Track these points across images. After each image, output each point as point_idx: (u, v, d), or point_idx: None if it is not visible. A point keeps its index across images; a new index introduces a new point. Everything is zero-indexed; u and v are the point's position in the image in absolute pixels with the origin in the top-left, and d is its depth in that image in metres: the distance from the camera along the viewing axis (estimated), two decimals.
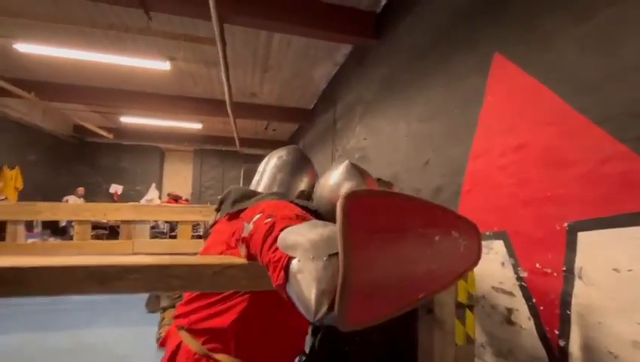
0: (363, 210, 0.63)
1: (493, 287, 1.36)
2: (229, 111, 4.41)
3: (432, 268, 0.72)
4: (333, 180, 1.01)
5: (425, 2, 2.04)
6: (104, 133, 6.78)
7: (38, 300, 3.39)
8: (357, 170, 1.02)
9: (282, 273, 0.63)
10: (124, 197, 7.76)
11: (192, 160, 8.63)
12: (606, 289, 0.94)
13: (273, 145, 8.42)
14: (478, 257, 0.80)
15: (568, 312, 1.04)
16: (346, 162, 1.04)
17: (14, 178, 5.81)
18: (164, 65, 3.70)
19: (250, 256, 0.76)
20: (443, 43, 1.80)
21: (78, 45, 3.23)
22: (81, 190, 6.95)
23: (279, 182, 1.10)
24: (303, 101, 5.32)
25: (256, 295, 0.83)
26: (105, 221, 6.47)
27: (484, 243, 1.20)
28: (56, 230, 6.57)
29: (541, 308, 1.14)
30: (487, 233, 1.39)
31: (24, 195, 5.88)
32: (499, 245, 1.33)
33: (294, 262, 0.63)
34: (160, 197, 8.10)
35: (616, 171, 0.94)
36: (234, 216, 0.92)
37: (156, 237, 6.63)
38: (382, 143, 2.54)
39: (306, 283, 0.59)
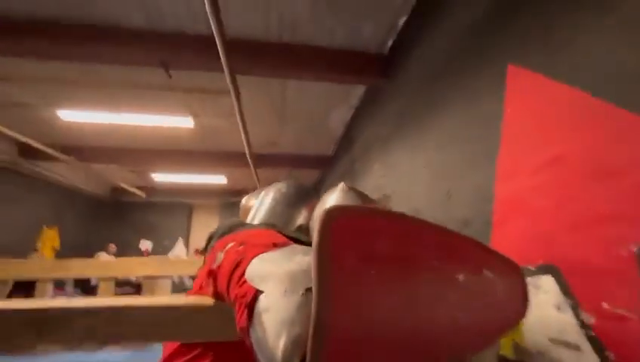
0: (353, 231, 0.48)
1: (550, 339, 1.07)
2: (250, 162, 4.51)
3: (458, 316, 0.54)
4: (327, 205, 0.87)
5: (428, 36, 2.03)
6: (138, 193, 7.14)
7: None
8: (355, 193, 0.88)
9: (245, 312, 0.49)
10: (154, 254, 7.87)
11: (219, 213, 8.78)
12: None
13: None
14: (524, 306, 0.61)
15: None
16: (341, 184, 0.91)
17: (52, 238, 6.11)
18: (187, 122, 3.93)
19: (216, 294, 0.62)
20: (452, 69, 1.73)
21: (108, 108, 3.52)
22: (112, 247, 7.15)
23: (277, 215, 0.98)
24: (322, 147, 5.37)
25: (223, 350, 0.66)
26: (134, 278, 6.53)
27: (529, 280, 0.96)
28: (87, 288, 6.66)
29: (617, 360, 0.85)
30: (531, 268, 1.14)
31: (60, 255, 6.11)
32: (549, 282, 1.08)
33: (261, 298, 0.48)
34: (187, 252, 8.14)
35: None
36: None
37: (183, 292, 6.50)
38: (400, 178, 2.39)
39: (273, 325, 0.44)
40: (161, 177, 6.76)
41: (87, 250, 6.86)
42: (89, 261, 6.00)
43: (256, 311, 0.47)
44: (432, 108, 1.94)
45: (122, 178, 6.99)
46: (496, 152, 1.35)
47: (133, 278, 6.23)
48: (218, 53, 2.16)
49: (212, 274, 0.62)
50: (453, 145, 1.69)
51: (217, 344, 0.68)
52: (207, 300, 0.64)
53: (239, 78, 2.59)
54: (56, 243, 6.18)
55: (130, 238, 8.07)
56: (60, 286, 5.83)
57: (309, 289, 0.46)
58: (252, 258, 0.55)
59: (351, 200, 0.86)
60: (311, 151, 5.60)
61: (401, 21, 2.43)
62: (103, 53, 2.41)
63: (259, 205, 1.04)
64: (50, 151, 4.30)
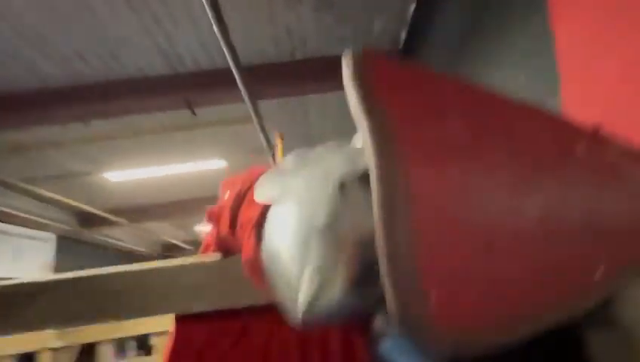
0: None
1: None
2: None
3: (600, 211, 0.34)
4: None
5: (442, 15, 1.91)
6: (186, 246, 7.36)
7: None
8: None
9: (253, 234, 0.35)
10: None
11: None
12: None
13: None
14: None
15: None
16: None
17: None
18: (221, 164, 4.03)
19: (218, 243, 0.48)
20: (479, 32, 1.57)
21: (147, 159, 3.72)
22: None
23: None
24: None
25: None
26: None
27: None
28: (150, 351, 6.70)
29: None
30: None
31: None
32: None
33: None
34: None
35: None
36: None
37: None
38: None
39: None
40: (201, 228, 6.94)
41: None
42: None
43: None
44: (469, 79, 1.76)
45: (170, 234, 7.28)
46: (557, 86, 1.11)
47: None
48: (236, 82, 2.21)
49: (212, 216, 0.48)
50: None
51: None
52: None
53: (261, 103, 2.61)
54: None
55: None
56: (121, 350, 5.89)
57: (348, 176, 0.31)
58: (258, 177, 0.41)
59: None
60: None
61: (411, 9, 2.34)
62: (136, 104, 2.57)
63: None
64: (106, 215, 4.60)
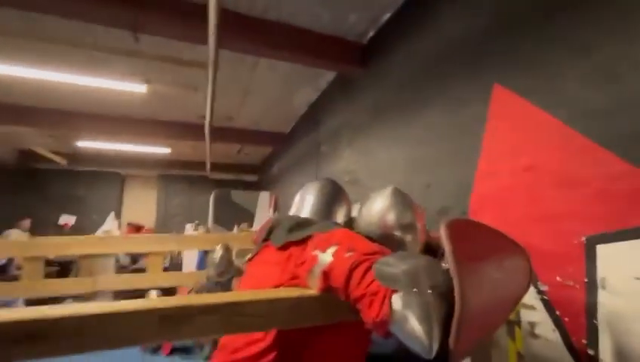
0: (465, 239, 0.65)
1: None
2: (207, 136, 4.29)
3: (507, 291, 0.75)
4: (380, 206, 1.01)
5: (414, 38, 2.20)
6: (57, 159, 6.19)
7: None
8: (402, 194, 1.04)
9: (386, 307, 0.62)
10: (77, 229, 7.03)
11: (157, 186, 8.14)
12: (631, 297, 1.03)
13: (245, 169, 8.28)
14: (530, 279, 0.84)
15: (595, 322, 1.11)
16: (391, 188, 1.05)
17: None
18: (140, 88, 3.54)
19: (326, 289, 0.73)
20: (439, 73, 1.94)
21: (44, 64, 2.98)
22: (26, 222, 6.17)
23: (319, 211, 1.07)
24: (279, 125, 5.34)
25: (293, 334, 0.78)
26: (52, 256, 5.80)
27: None
28: None
29: (566, 319, 1.20)
30: None
31: None
32: None
33: (398, 296, 0.62)
34: (119, 227, 7.46)
35: (626, 188, 1.06)
36: (293, 243, 0.88)
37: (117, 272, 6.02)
38: (374, 166, 2.61)
39: (417, 317, 0.59)
40: (88, 144, 5.95)
41: None
42: (17, 242, 5.17)
43: (395, 306, 0.61)
44: (414, 105, 2.16)
45: (35, 142, 5.96)
46: (476, 152, 1.63)
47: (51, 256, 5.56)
48: (198, 21, 2.03)
49: (324, 274, 0.71)
50: (435, 142, 1.94)
51: (284, 339, 0.78)
52: (310, 291, 0.75)
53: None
54: None
55: (47, 212, 7.04)
56: None
57: (432, 287, 0.62)
58: (371, 263, 0.68)
59: (402, 200, 1.01)
60: (266, 128, 5.53)
61: (385, 17, 2.55)
62: (67, 5, 2.03)
63: (300, 201, 1.12)
64: None
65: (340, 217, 1.10)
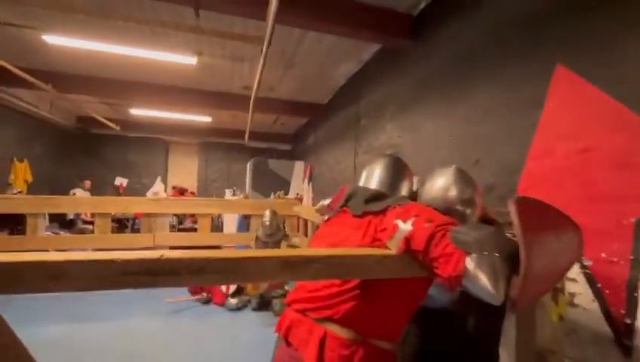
0: (531, 214, 0.78)
1: None
2: (251, 106, 4.47)
3: (561, 259, 0.88)
4: (444, 182, 1.13)
5: (469, 14, 2.16)
6: (111, 125, 6.70)
7: (70, 294, 3.43)
8: (463, 173, 1.15)
9: (461, 265, 0.77)
10: (129, 191, 7.72)
11: (198, 153, 8.61)
12: None
13: (279, 138, 8.52)
14: (581, 251, 0.95)
15: (635, 295, 1.21)
16: (454, 166, 1.17)
17: (24, 171, 5.73)
18: (191, 60, 3.73)
19: (405, 251, 0.89)
20: (495, 50, 1.94)
21: (105, 38, 3.22)
22: (87, 183, 6.88)
23: (386, 185, 1.21)
24: (317, 96, 5.40)
25: (371, 283, 0.95)
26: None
27: None
28: (64, 223, 6.51)
29: (607, 291, 1.31)
30: None
31: (32, 188, 5.81)
32: None
33: (471, 257, 0.77)
34: (165, 190, 8.08)
35: None
36: (370, 213, 1.04)
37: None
38: (420, 141, 2.68)
39: (487, 273, 0.74)
40: (139, 112, 6.37)
41: (59, 185, 6.56)
42: (82, 198, 5.81)
43: (468, 265, 0.76)
44: (466, 82, 2.17)
45: (93, 109, 6.46)
46: (529, 132, 1.67)
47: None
48: None
49: (406, 239, 0.87)
50: (486, 122, 1.98)
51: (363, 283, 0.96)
52: (389, 251, 0.92)
53: (262, 24, 2.53)
54: (29, 177, 5.82)
55: (104, 174, 7.76)
56: None
57: (499, 251, 0.77)
58: (447, 231, 0.83)
59: (464, 178, 1.13)
60: (304, 99, 5.61)
61: None
62: None
63: (368, 174, 1.27)
64: (27, 77, 3.86)
65: (404, 190, 1.23)
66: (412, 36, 2.83)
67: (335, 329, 0.95)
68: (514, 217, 0.74)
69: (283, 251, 0.82)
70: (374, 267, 0.89)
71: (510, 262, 0.78)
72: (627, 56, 1.29)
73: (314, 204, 5.86)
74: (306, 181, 6.60)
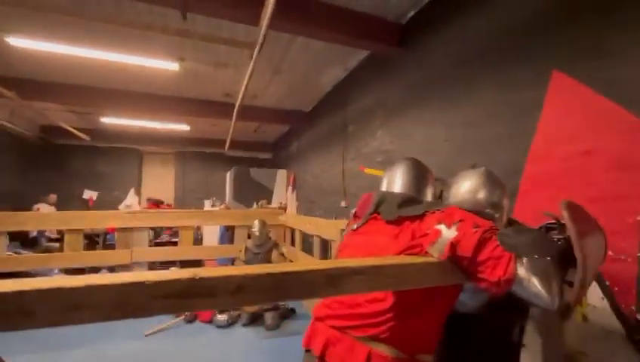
0: (578, 218, 0.78)
1: None
2: (235, 113, 4.36)
3: (599, 259, 0.89)
4: (473, 185, 1.11)
5: (460, 21, 2.22)
6: (80, 135, 6.28)
7: None
8: (493, 175, 1.15)
9: (511, 268, 0.75)
10: (100, 204, 7.24)
11: (174, 163, 8.27)
12: None
13: (260, 146, 8.37)
14: (607, 249, 0.97)
15: None
16: (483, 168, 1.16)
17: None
18: (173, 66, 3.58)
19: (450, 256, 0.85)
20: (490, 56, 1.99)
21: (77, 41, 3.03)
22: (53, 197, 6.38)
23: (410, 189, 1.17)
24: (302, 104, 5.37)
25: (415, 294, 0.91)
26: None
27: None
28: (26, 242, 5.97)
29: (615, 288, 1.34)
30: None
31: None
32: None
33: (521, 261, 0.75)
34: (139, 203, 7.67)
35: None
36: (407, 218, 1.00)
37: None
38: (412, 147, 2.70)
39: (541, 278, 0.72)
40: (111, 120, 6.03)
41: (21, 200, 6.03)
42: (49, 214, 5.35)
43: (519, 269, 0.74)
44: (459, 87, 2.22)
45: (59, 117, 6.03)
46: (528, 136, 1.72)
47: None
48: (246, 2, 2.07)
49: (452, 244, 0.84)
50: (484, 125, 2.02)
51: (400, 302, 0.91)
52: (431, 259, 0.88)
53: (251, 28, 2.48)
54: None
55: (71, 187, 7.24)
56: None
57: (550, 255, 0.75)
58: (495, 235, 0.81)
59: (493, 180, 1.12)
60: (287, 107, 5.56)
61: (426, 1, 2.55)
62: None
63: (390, 179, 1.23)
64: None
65: (429, 194, 1.21)
66: (401, 44, 2.87)
67: (381, 349, 0.90)
68: (568, 222, 0.74)
69: (324, 263, 0.76)
70: (416, 275, 0.85)
71: (560, 265, 0.76)
72: (620, 57, 1.35)
73: (299, 212, 5.77)
74: (290, 189, 6.51)
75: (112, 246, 4.98)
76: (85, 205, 7.24)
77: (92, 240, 6.33)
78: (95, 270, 4.57)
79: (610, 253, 1.37)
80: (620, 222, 1.33)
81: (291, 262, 4.60)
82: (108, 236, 6.20)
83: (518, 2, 1.84)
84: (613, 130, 1.38)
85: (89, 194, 7.31)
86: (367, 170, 3.21)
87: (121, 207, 7.26)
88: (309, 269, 0.73)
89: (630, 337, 1.29)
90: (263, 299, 0.71)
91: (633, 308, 1.28)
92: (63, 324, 0.57)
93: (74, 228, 4.01)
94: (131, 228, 4.23)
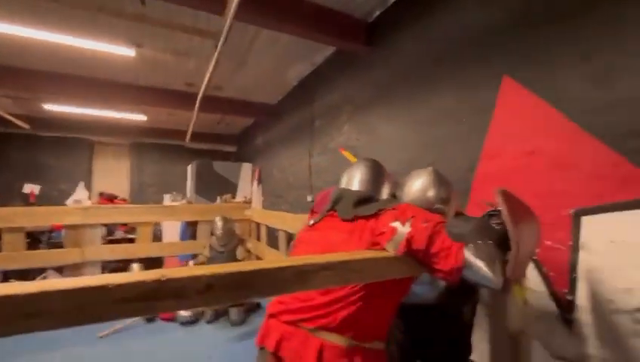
0: (513, 205, 0.87)
1: None
2: (197, 104, 4.19)
3: (532, 244, 1.01)
4: (423, 183, 1.20)
5: (427, 20, 2.32)
6: (19, 122, 5.68)
7: None
8: (439, 173, 1.23)
9: (460, 256, 0.83)
10: (43, 199, 6.62)
11: (129, 155, 7.75)
12: (605, 255, 1.33)
13: (223, 139, 8.12)
14: (540, 232, 1.09)
15: (575, 275, 1.42)
16: (431, 168, 1.24)
17: None
18: (129, 52, 3.35)
19: (406, 251, 0.91)
20: (450, 58, 2.11)
21: (15, 19, 2.73)
22: None
23: (367, 188, 1.23)
24: (268, 97, 5.29)
25: (369, 285, 0.97)
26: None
27: None
28: None
29: (552, 274, 1.51)
30: None
31: None
32: None
33: (468, 248, 0.83)
34: (90, 198, 7.12)
35: (611, 172, 1.33)
36: (362, 217, 1.04)
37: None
38: (377, 143, 2.79)
39: (485, 260, 0.80)
40: (57, 108, 5.50)
41: None
42: None
43: (467, 254, 0.82)
44: (422, 86, 2.32)
45: None
46: (481, 136, 1.86)
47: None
48: None
49: (407, 240, 0.89)
50: (443, 124, 2.14)
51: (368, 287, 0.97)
52: (391, 254, 0.93)
53: (214, 18, 2.40)
54: None
55: (9, 180, 6.53)
56: None
57: (492, 239, 0.84)
58: (443, 228, 0.88)
59: (440, 178, 1.21)
60: (254, 99, 5.45)
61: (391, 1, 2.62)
62: None
63: (349, 177, 1.27)
64: None
65: (385, 192, 1.27)
66: (367, 41, 2.93)
67: (332, 339, 0.94)
68: (502, 205, 0.82)
69: (293, 260, 0.78)
70: (381, 269, 0.90)
71: (501, 248, 0.85)
72: (563, 67, 1.51)
73: (264, 207, 5.71)
74: (255, 183, 6.41)
75: (58, 245, 4.60)
76: (26, 200, 6.57)
77: (35, 239, 5.80)
78: (40, 271, 4.21)
79: (548, 242, 1.53)
80: (556, 215, 1.50)
81: (257, 257, 4.56)
82: (53, 234, 5.71)
83: (478, 8, 1.95)
84: (553, 134, 1.53)
85: (30, 188, 6.65)
86: (345, 153, 3.24)
87: (69, 202, 6.71)
88: (278, 266, 0.74)
89: (563, 316, 1.47)
90: (233, 297, 0.72)
91: (565, 290, 1.46)
92: (12, 334, 0.53)
93: (14, 226, 3.64)
94: (82, 225, 3.93)
